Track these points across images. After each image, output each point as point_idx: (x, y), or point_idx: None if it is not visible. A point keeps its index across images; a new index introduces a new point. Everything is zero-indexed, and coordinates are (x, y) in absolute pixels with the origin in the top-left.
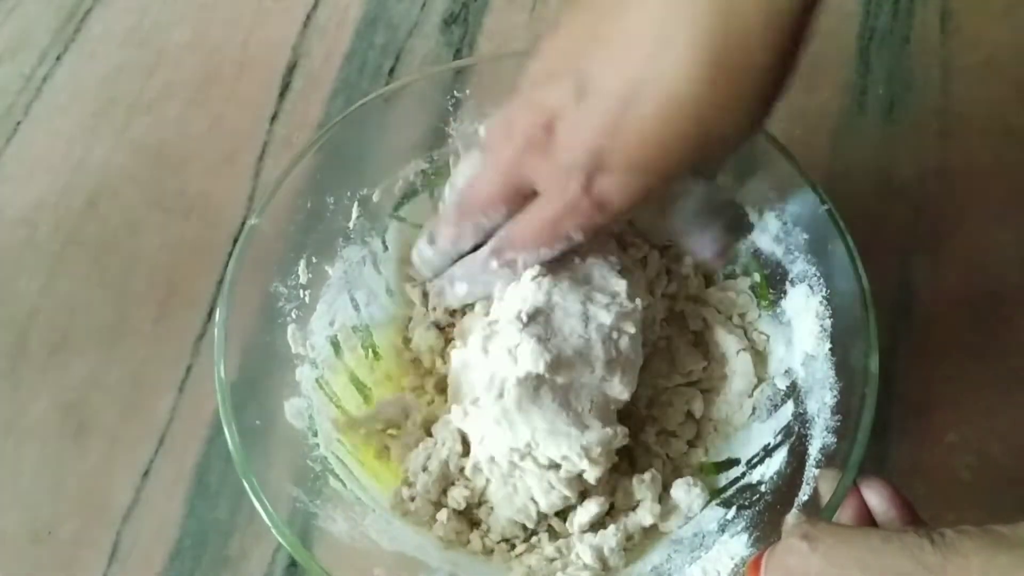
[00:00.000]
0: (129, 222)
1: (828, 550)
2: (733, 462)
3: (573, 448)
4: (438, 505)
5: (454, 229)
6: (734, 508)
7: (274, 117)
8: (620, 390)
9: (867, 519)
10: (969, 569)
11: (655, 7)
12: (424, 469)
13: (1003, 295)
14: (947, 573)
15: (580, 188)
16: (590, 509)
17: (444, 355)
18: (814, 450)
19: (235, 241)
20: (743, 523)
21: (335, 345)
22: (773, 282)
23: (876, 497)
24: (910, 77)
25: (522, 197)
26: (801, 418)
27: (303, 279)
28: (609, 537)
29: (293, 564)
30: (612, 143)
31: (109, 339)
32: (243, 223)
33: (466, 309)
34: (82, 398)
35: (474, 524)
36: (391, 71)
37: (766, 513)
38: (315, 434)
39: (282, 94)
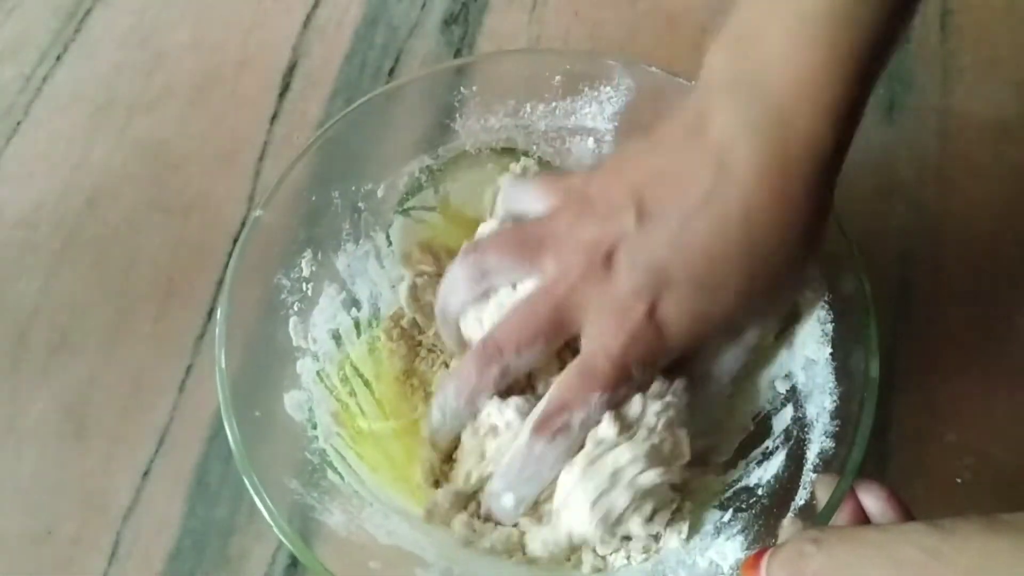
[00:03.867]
0: (129, 222)
1: (830, 549)
2: (730, 464)
3: None
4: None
5: (475, 377)
6: (730, 511)
7: (274, 117)
8: None
9: (863, 522)
10: (968, 551)
11: (712, 147)
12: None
13: (1003, 295)
14: (945, 555)
15: (644, 313)
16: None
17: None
18: (812, 455)
19: (235, 241)
20: (739, 526)
21: (336, 338)
22: None
23: (873, 500)
24: (910, 77)
25: (562, 338)
26: (800, 422)
27: (306, 272)
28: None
29: (293, 564)
30: (674, 258)
31: (109, 339)
32: (243, 223)
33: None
34: (82, 398)
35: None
36: (391, 71)
37: (762, 516)
38: (314, 427)
39: (282, 94)
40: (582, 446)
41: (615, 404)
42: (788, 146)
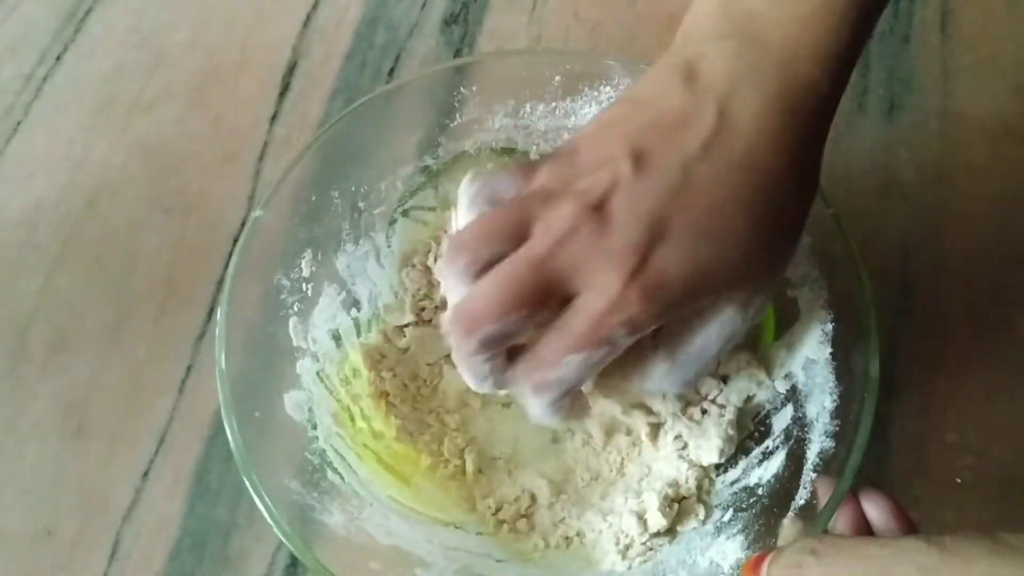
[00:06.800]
0: (129, 222)
1: (829, 561)
2: (730, 463)
3: None
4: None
5: (459, 352)
6: (731, 510)
7: (274, 117)
8: None
9: (865, 531)
10: (970, 573)
11: (709, 95)
12: None
13: (1003, 295)
14: None
15: (632, 270)
16: None
17: None
18: (812, 454)
19: (235, 241)
20: (739, 525)
21: (336, 339)
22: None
23: (875, 509)
24: (910, 77)
25: (554, 302)
26: (800, 422)
27: (306, 272)
28: (652, 497)
29: (293, 564)
30: (676, 207)
31: (109, 339)
32: (243, 223)
33: None
34: (82, 398)
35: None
36: (391, 71)
37: (762, 516)
38: (314, 427)
39: (282, 94)
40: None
41: (597, 365)
42: (787, 93)
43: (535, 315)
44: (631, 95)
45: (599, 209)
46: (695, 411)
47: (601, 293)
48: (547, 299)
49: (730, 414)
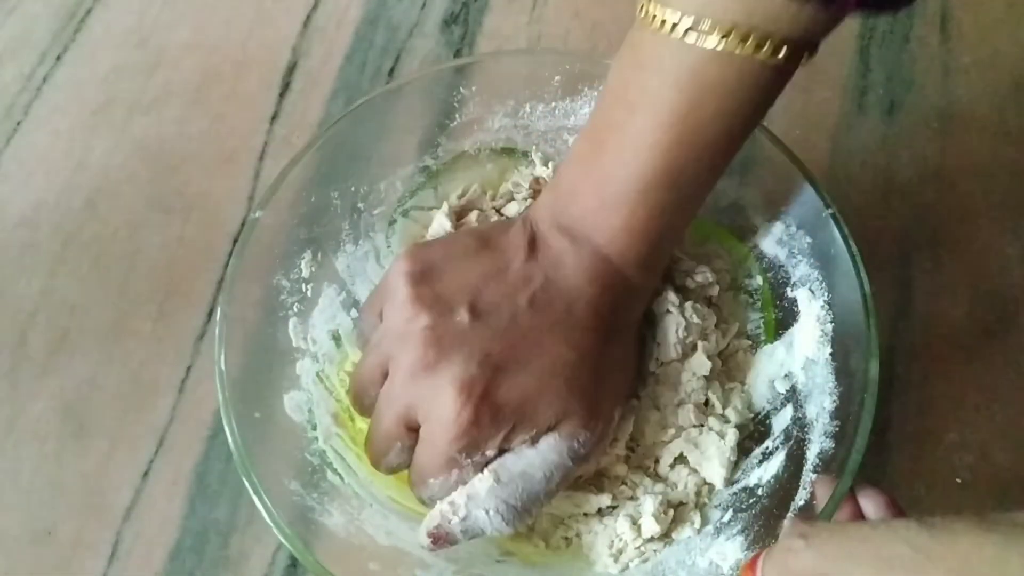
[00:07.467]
0: (129, 222)
1: (821, 544)
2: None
3: None
4: None
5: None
6: (731, 511)
7: (274, 117)
8: None
9: None
10: (957, 549)
11: (543, 265)
12: None
13: (1003, 295)
14: (933, 552)
15: (463, 398)
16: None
17: None
18: (812, 455)
19: (235, 241)
20: (739, 526)
21: (336, 339)
22: (776, 285)
23: (872, 505)
24: (910, 77)
25: (414, 431)
26: (800, 422)
27: (305, 273)
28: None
29: (293, 564)
30: (503, 348)
31: (109, 339)
32: (243, 223)
33: None
34: (82, 398)
35: None
36: (391, 71)
37: (762, 517)
38: (314, 428)
39: (282, 94)
40: None
41: (458, 481)
42: (599, 276)
43: (407, 442)
44: (487, 234)
45: (438, 349)
46: (697, 431)
47: (437, 422)
48: (408, 428)
49: (732, 440)
